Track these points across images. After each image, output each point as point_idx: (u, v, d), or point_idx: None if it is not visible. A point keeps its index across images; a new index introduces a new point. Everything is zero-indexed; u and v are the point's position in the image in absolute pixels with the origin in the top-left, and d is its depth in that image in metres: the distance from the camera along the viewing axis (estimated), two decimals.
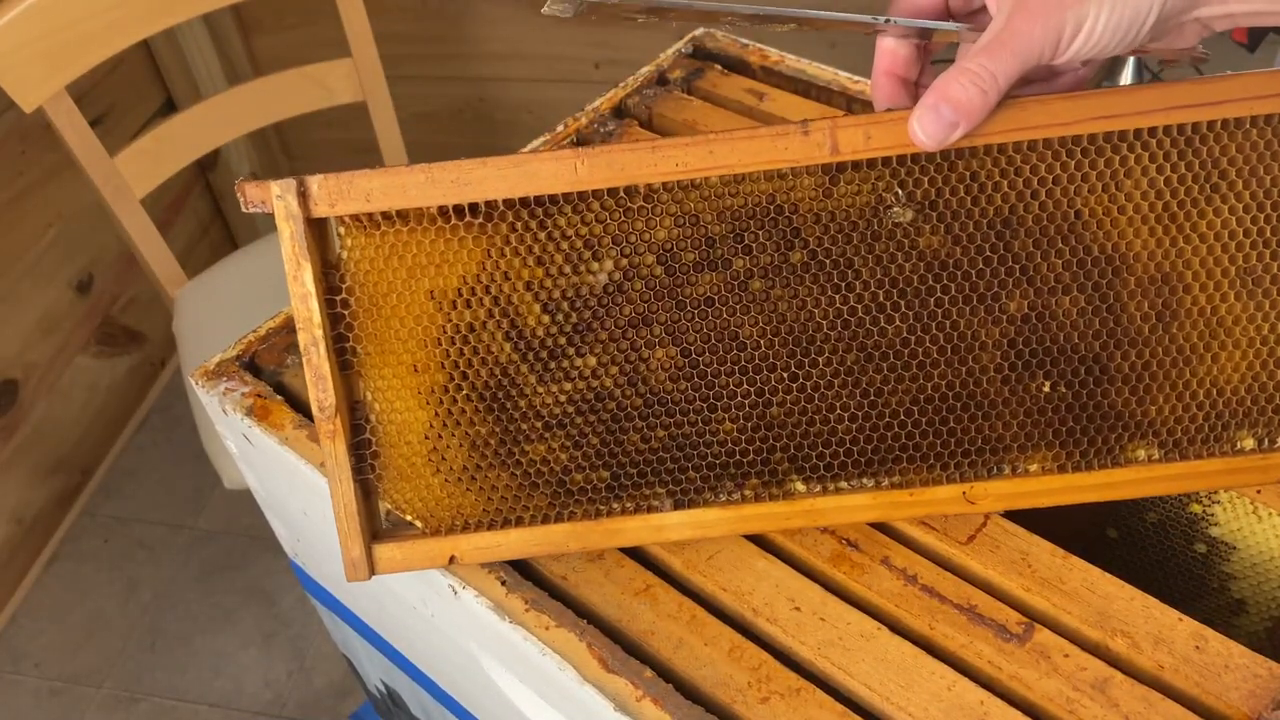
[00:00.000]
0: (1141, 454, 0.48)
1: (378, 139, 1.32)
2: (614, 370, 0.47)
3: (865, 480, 0.48)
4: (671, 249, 0.46)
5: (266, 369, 0.62)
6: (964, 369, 0.47)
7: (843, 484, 0.48)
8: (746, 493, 0.48)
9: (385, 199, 0.45)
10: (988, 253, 0.46)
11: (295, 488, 0.60)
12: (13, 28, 1.02)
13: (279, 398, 0.59)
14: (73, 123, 1.10)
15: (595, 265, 0.46)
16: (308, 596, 1.03)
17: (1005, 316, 0.47)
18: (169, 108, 1.77)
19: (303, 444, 0.57)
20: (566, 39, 1.59)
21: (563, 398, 0.47)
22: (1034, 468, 0.48)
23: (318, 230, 0.46)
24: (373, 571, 0.48)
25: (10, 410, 1.52)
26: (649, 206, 0.46)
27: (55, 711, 1.44)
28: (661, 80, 0.79)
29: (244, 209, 0.45)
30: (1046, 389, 0.47)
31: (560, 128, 0.74)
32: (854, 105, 0.74)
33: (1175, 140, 0.45)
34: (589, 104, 0.76)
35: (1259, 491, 0.52)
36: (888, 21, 0.46)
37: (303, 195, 0.44)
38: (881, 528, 0.51)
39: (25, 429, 1.55)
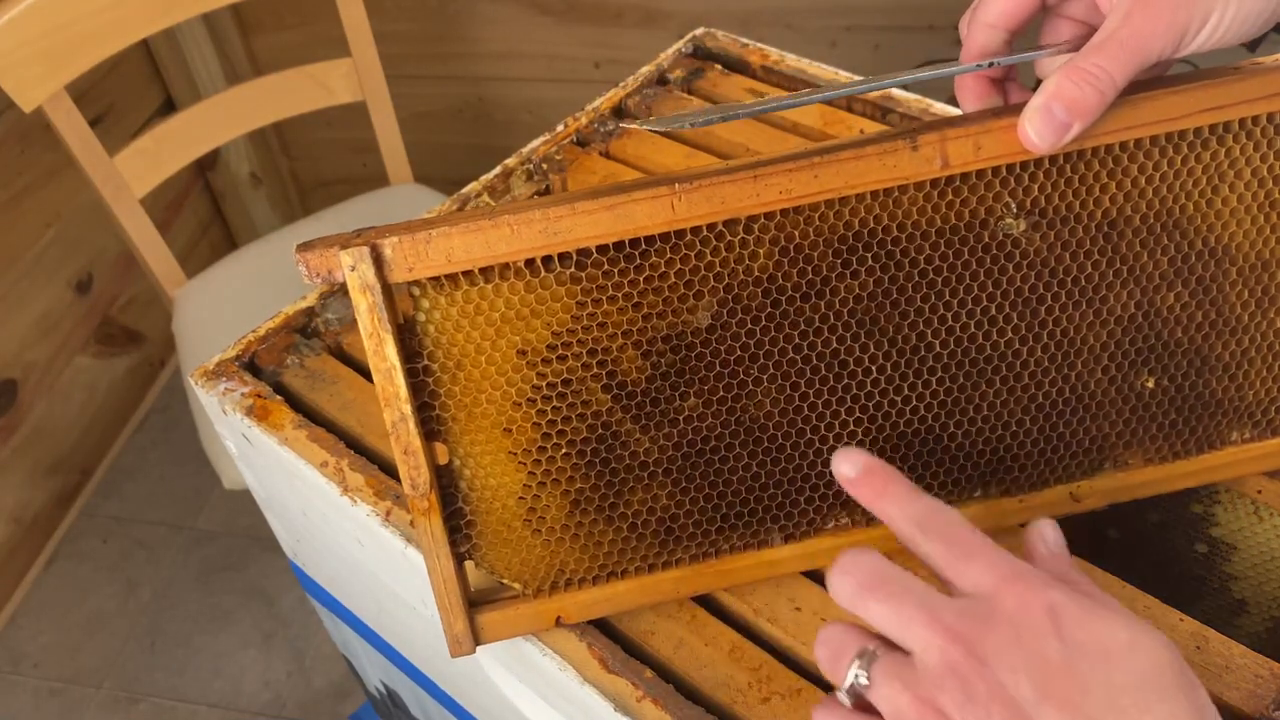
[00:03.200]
0: (1235, 435, 0.48)
1: (377, 139, 1.32)
2: (717, 410, 0.45)
3: (975, 492, 0.47)
4: (774, 279, 0.43)
5: (266, 369, 0.62)
6: (1073, 373, 0.46)
7: (953, 498, 0.47)
8: (857, 517, 0.47)
9: (467, 257, 0.41)
10: (1095, 255, 0.44)
11: (295, 488, 0.60)
12: (12, 27, 1.02)
13: (278, 398, 0.59)
14: (72, 122, 1.10)
15: (695, 304, 0.43)
16: (307, 597, 1.03)
17: (1112, 318, 0.45)
18: (168, 107, 1.77)
19: (302, 444, 0.57)
20: (566, 39, 1.59)
21: (665, 443, 0.45)
22: (1135, 460, 0.48)
23: (391, 295, 0.42)
24: (478, 643, 0.46)
25: (9, 410, 1.52)
26: (749, 237, 0.43)
27: (55, 711, 1.44)
28: (661, 80, 0.79)
29: (307, 281, 0.41)
30: (1150, 384, 0.47)
31: (560, 127, 0.74)
32: (854, 104, 0.74)
33: (1279, 126, 0.44)
34: (589, 104, 0.76)
35: (1260, 492, 0.52)
36: (990, 65, 0.44)
37: (377, 261, 0.40)
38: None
39: (24, 429, 1.55)
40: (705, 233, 0.42)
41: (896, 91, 0.73)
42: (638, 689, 0.45)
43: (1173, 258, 0.45)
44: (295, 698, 1.42)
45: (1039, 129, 0.41)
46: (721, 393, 0.44)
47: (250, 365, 0.62)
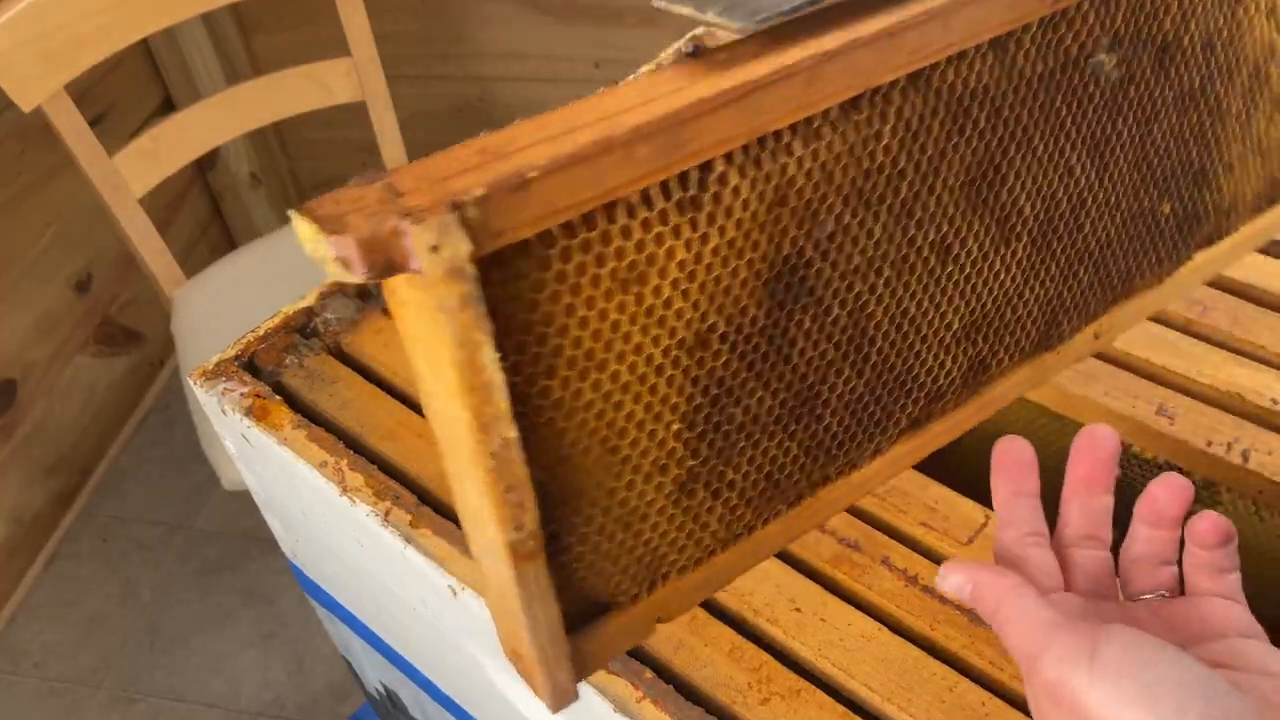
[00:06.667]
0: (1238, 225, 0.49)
1: (377, 139, 1.32)
2: (832, 335, 0.38)
3: (1023, 360, 0.45)
4: (896, 162, 0.37)
5: (265, 369, 0.62)
6: (1117, 214, 0.44)
7: (1005, 367, 0.44)
8: (949, 404, 0.43)
9: (571, 200, 0.28)
10: (1151, 83, 0.44)
11: (294, 488, 0.60)
12: (11, 27, 1.02)
13: (277, 398, 0.59)
14: (71, 122, 1.09)
15: (821, 210, 0.35)
16: (306, 597, 1.03)
17: (1153, 149, 0.45)
18: (168, 107, 1.77)
19: (301, 444, 0.57)
20: (566, 39, 1.59)
21: (779, 386, 0.37)
22: (1144, 285, 0.47)
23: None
24: (578, 681, 0.37)
25: (9, 410, 1.52)
26: (874, 113, 0.35)
27: (55, 711, 1.44)
28: None
29: (356, 278, 0.25)
30: (1167, 210, 0.46)
31: None
32: None
33: None
34: None
35: (1260, 492, 0.52)
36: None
37: (467, 227, 0.26)
38: (882, 527, 0.51)
39: (24, 429, 1.55)
40: (837, 116, 0.34)
41: None
42: (637, 689, 0.45)
43: (1203, 78, 0.45)
44: (295, 698, 1.42)
45: None
46: (837, 310, 0.37)
47: (249, 365, 0.62)
